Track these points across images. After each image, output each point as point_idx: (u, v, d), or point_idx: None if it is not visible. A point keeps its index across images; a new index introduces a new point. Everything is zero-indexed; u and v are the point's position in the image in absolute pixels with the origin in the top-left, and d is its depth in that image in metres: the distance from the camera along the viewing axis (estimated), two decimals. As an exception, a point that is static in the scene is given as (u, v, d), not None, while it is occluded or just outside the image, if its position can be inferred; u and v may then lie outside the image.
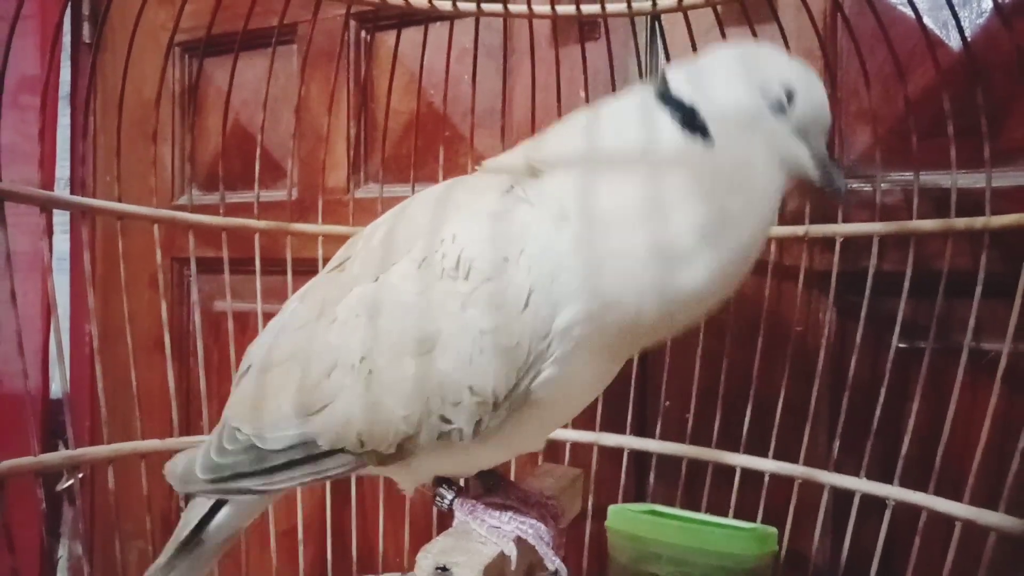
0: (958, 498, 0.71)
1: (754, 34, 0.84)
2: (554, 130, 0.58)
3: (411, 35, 1.01)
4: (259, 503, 0.66)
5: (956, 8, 0.72)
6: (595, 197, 0.50)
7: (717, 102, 0.50)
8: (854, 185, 0.87)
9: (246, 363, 0.65)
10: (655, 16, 0.93)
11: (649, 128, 0.51)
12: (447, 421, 0.52)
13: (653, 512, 0.84)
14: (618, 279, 0.49)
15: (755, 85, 0.51)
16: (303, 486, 0.60)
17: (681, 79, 0.52)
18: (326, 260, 0.72)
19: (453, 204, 0.55)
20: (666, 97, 0.52)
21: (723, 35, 0.86)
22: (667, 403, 0.93)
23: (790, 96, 0.51)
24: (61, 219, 1.38)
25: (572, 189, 0.51)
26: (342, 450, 0.56)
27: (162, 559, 0.65)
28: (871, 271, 0.80)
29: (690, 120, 0.50)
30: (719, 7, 0.85)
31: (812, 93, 0.52)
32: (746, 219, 0.50)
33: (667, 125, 0.50)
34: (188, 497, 0.66)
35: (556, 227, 0.50)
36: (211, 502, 0.64)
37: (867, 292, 0.81)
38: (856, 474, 0.79)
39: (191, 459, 0.62)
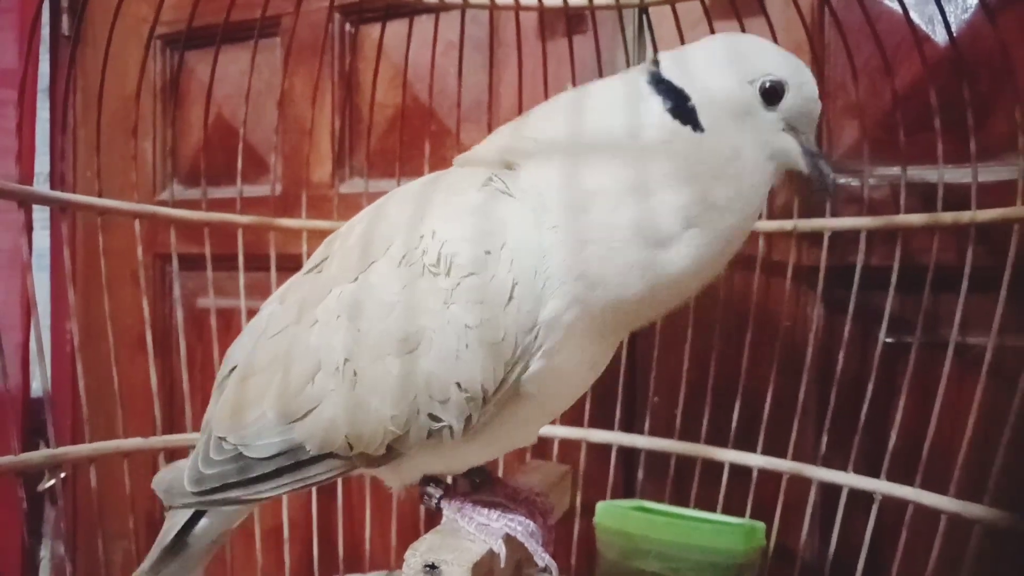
0: (944, 492, 0.72)
1: (742, 27, 0.84)
2: (536, 113, 0.57)
3: (396, 28, 1.00)
4: (241, 509, 0.65)
5: (942, 3, 0.72)
6: (577, 181, 0.50)
7: (708, 90, 0.50)
8: (841, 180, 0.87)
9: (227, 365, 0.64)
10: (643, 9, 0.92)
11: (637, 110, 0.50)
12: (436, 419, 0.52)
13: (642, 508, 0.84)
14: (600, 259, 0.49)
15: (746, 76, 0.50)
16: (291, 493, 0.59)
17: (673, 64, 0.52)
18: (310, 256, 0.71)
19: (431, 200, 0.54)
20: (657, 80, 0.51)
21: (711, 28, 0.86)
22: (655, 399, 0.93)
23: (781, 89, 0.51)
24: (41, 215, 1.36)
25: (553, 177, 0.51)
26: (330, 455, 0.56)
27: (146, 564, 0.64)
28: (859, 266, 0.81)
29: (680, 106, 0.50)
30: (707, 0, 0.85)
31: (803, 86, 0.52)
32: (731, 206, 0.50)
33: (656, 108, 0.50)
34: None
35: (536, 218, 0.50)
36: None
37: (855, 287, 0.81)
38: (844, 469, 0.80)
39: (178, 472, 0.62)
